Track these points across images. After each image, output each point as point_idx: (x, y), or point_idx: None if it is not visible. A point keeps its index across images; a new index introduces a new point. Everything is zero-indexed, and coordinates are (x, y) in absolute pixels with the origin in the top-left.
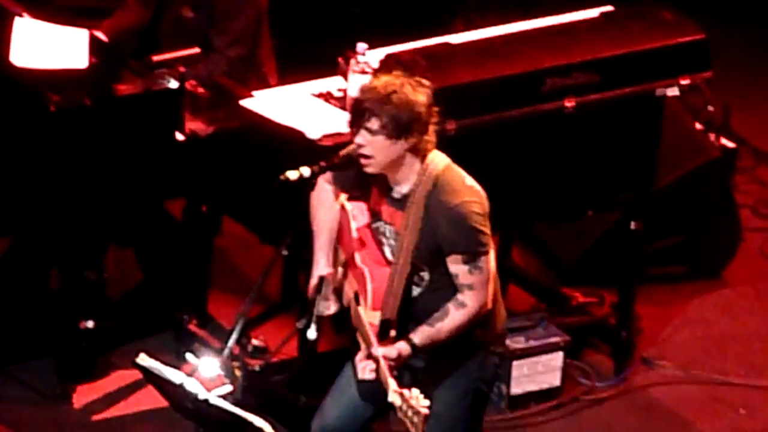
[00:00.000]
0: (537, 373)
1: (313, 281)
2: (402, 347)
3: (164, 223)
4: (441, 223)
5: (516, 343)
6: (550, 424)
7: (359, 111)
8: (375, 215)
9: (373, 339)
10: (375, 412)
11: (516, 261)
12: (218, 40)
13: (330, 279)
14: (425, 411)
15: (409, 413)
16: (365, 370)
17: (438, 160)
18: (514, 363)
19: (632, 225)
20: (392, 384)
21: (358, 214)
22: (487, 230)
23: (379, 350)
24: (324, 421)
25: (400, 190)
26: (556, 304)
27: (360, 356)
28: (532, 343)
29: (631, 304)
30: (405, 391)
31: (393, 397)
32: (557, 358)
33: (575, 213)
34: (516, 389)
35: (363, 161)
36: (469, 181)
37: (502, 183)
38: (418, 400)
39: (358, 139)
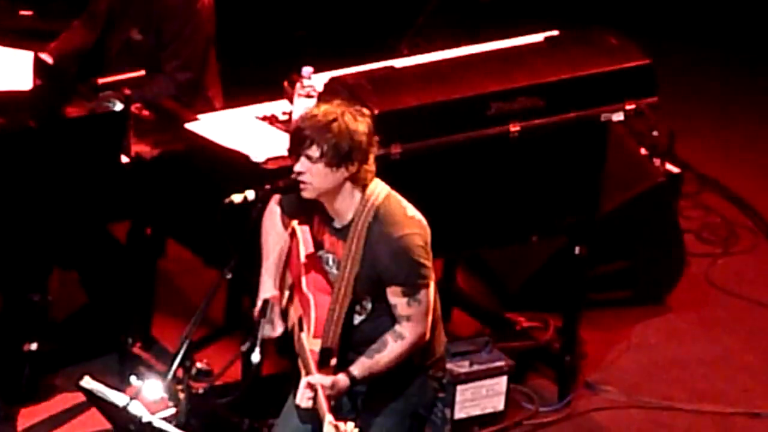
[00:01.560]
0: (481, 397)
1: (259, 303)
2: (340, 379)
3: (108, 246)
4: (382, 255)
5: (460, 367)
6: None
7: (299, 138)
8: (317, 244)
9: (313, 367)
10: None
11: (460, 285)
12: (168, 63)
13: (275, 302)
14: None
15: None
16: (303, 398)
17: (379, 189)
18: (458, 387)
19: (577, 250)
20: (327, 415)
21: (308, 239)
22: (428, 263)
23: (315, 378)
24: None
25: (341, 220)
26: (500, 329)
27: (300, 383)
28: (476, 367)
29: (575, 329)
30: (340, 424)
31: (327, 429)
32: (501, 382)
33: (520, 238)
34: (460, 413)
35: (301, 186)
36: (411, 211)
37: (446, 207)
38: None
39: (297, 167)
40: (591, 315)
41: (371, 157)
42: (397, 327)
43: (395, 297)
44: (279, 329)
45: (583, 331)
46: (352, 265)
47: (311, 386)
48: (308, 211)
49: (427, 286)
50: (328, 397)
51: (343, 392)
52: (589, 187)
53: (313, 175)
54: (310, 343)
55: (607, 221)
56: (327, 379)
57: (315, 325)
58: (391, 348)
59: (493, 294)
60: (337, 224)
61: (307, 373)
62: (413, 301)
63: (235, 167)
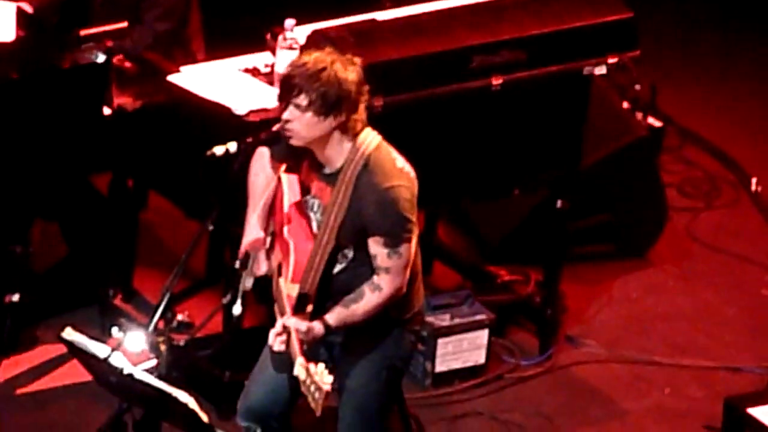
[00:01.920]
0: (462, 350)
1: (245, 243)
2: (315, 325)
3: (89, 198)
4: (368, 204)
5: (441, 320)
6: (475, 402)
7: (288, 86)
8: (305, 189)
9: (288, 311)
10: (293, 388)
11: (442, 238)
12: (147, 13)
13: (260, 244)
14: (327, 388)
15: (312, 388)
16: (276, 341)
17: (370, 138)
18: (439, 341)
19: (558, 203)
20: (299, 358)
21: (293, 186)
22: (413, 217)
23: (291, 321)
24: (248, 401)
25: (331, 166)
26: (481, 282)
27: (273, 328)
28: (457, 320)
29: (556, 283)
30: (311, 366)
31: (298, 371)
32: (482, 336)
33: (501, 191)
34: (440, 367)
35: (288, 134)
36: (400, 162)
37: (428, 160)
38: (322, 375)
39: (286, 115)
40: (572, 269)
41: (361, 107)
42: (375, 278)
43: (376, 247)
44: (263, 269)
45: (564, 284)
46: (338, 212)
47: (285, 329)
48: (298, 156)
49: (409, 240)
50: (302, 342)
51: (317, 339)
52: (571, 141)
53: (301, 124)
54: (288, 288)
55: (588, 175)
56: (302, 324)
57: (294, 270)
58: (367, 299)
59: (475, 247)
60: (327, 170)
61: (282, 316)
62: (394, 254)
63: (217, 120)
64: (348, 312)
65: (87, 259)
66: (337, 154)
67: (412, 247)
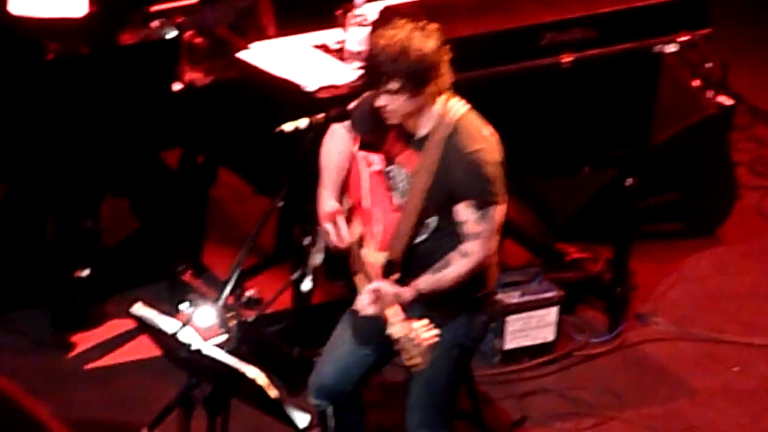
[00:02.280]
0: (531, 328)
1: (322, 215)
2: (405, 290)
3: (160, 173)
4: (457, 168)
5: (510, 298)
6: (543, 379)
7: (376, 76)
8: (389, 160)
9: (375, 278)
10: (372, 365)
11: (512, 216)
12: None
13: (338, 215)
14: (431, 341)
15: (413, 344)
16: (367, 304)
17: (459, 105)
18: (508, 318)
19: (628, 181)
20: (394, 314)
21: (372, 160)
22: (501, 182)
23: (381, 284)
24: (320, 379)
25: (419, 132)
26: (551, 260)
27: (363, 291)
28: (527, 298)
29: (626, 261)
30: (413, 323)
31: (395, 329)
32: (551, 313)
33: (571, 168)
34: (509, 344)
35: (384, 114)
36: (488, 130)
37: (499, 137)
38: (423, 330)
39: (379, 102)
40: (642, 246)
41: (445, 66)
42: (463, 246)
43: (466, 213)
44: (346, 240)
45: (633, 262)
46: (426, 178)
47: (376, 291)
48: (381, 128)
49: (497, 203)
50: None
51: (406, 304)
52: (641, 119)
53: (396, 105)
54: (374, 257)
55: (658, 153)
56: (392, 287)
57: (381, 238)
58: (457, 264)
59: (544, 225)
60: (415, 136)
61: (369, 281)
62: (483, 219)
63: (286, 96)
64: (437, 277)
65: (157, 234)
66: (426, 120)
67: (501, 212)
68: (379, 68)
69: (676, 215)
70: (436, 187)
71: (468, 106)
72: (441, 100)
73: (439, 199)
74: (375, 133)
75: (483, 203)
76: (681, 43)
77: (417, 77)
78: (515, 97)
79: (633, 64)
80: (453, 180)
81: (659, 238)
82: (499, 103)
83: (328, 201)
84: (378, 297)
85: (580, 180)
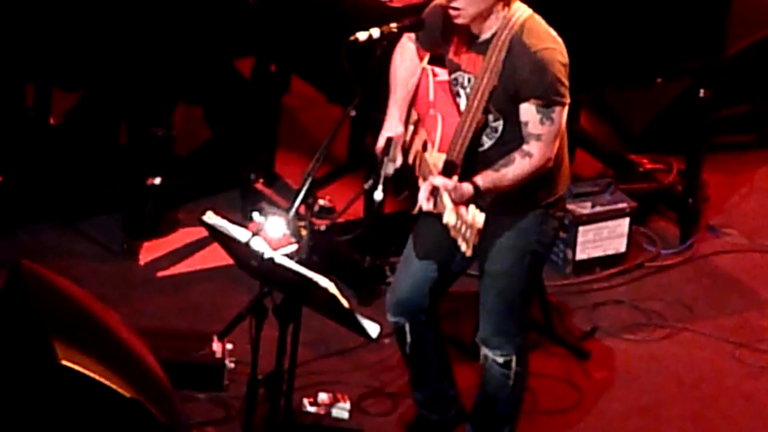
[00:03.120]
0: (603, 238)
1: (383, 138)
2: (464, 186)
3: (233, 81)
4: (522, 66)
5: (582, 208)
6: (615, 290)
7: None
8: (454, 66)
9: (435, 172)
10: (444, 277)
11: (584, 126)
12: None
13: (398, 140)
14: (480, 225)
15: (463, 228)
16: (425, 198)
17: (524, 8)
18: (580, 228)
19: (701, 93)
20: (448, 204)
21: (438, 72)
22: (566, 82)
23: (438, 179)
24: (395, 296)
25: (484, 35)
26: (623, 171)
27: (422, 186)
28: (599, 208)
29: (698, 172)
30: (461, 208)
31: (448, 217)
32: (623, 224)
33: (644, 79)
34: (581, 254)
35: (453, 13)
36: (553, 32)
37: (571, 47)
38: (475, 215)
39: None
40: (714, 158)
41: None
42: (525, 146)
43: (529, 112)
44: (398, 162)
45: (706, 174)
46: (491, 77)
47: (433, 186)
48: (447, 35)
49: (562, 104)
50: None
51: (464, 198)
52: (714, 31)
53: (467, 2)
54: (434, 158)
55: (731, 64)
56: (450, 182)
57: (441, 139)
58: (518, 164)
59: (617, 136)
60: (480, 39)
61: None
62: (546, 119)
63: (360, 5)
64: (497, 175)
65: (229, 143)
66: (492, 22)
67: (563, 114)
68: None
69: (749, 127)
70: (500, 86)
71: (531, 10)
72: (508, 3)
73: (504, 98)
74: (437, 45)
75: (548, 102)
76: None
77: None
78: (587, 8)
79: None
80: (519, 78)
81: (731, 149)
82: (571, 14)
83: (390, 120)
84: (435, 190)
85: (652, 91)
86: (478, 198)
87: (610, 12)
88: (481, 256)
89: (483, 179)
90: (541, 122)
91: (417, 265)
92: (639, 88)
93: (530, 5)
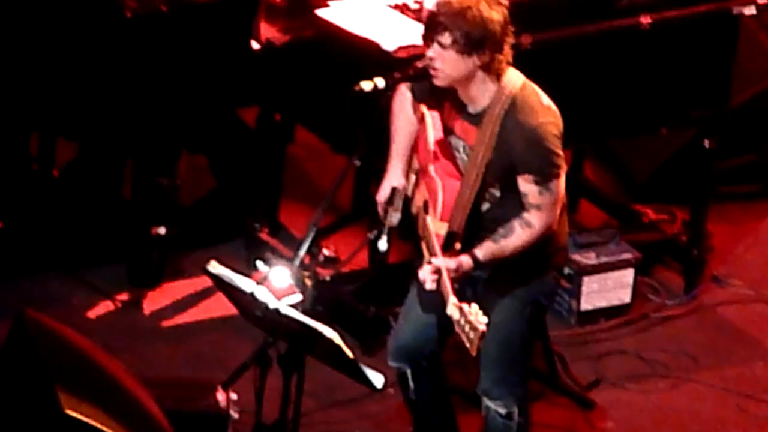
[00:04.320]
0: (607, 289)
1: (386, 189)
2: (464, 260)
3: (237, 131)
4: (517, 143)
5: (587, 258)
6: (619, 341)
7: (433, 24)
8: (447, 129)
9: (438, 250)
10: (442, 327)
11: (588, 176)
12: None
13: (402, 190)
14: (482, 328)
15: (467, 328)
16: (427, 280)
17: (515, 78)
18: (585, 279)
19: (705, 142)
20: (451, 297)
21: (437, 124)
22: (561, 152)
23: (440, 260)
24: (398, 341)
25: (475, 106)
26: (627, 221)
27: (424, 266)
28: (603, 259)
29: (702, 222)
30: (464, 306)
31: (451, 311)
32: (628, 274)
33: (649, 129)
34: (586, 305)
35: (432, 72)
36: (546, 100)
37: (576, 97)
38: (477, 316)
39: (429, 52)
40: (719, 208)
41: (506, 47)
42: (525, 215)
43: (527, 185)
44: (396, 219)
45: (710, 224)
46: (485, 152)
47: (436, 269)
48: (440, 96)
49: (558, 176)
50: (452, 280)
51: (466, 274)
52: (720, 80)
53: (445, 61)
54: (436, 227)
55: (736, 114)
56: (451, 262)
57: (442, 208)
58: (518, 234)
59: (621, 185)
60: (471, 110)
61: (432, 255)
62: (544, 191)
63: (365, 55)
64: (497, 247)
65: (233, 192)
66: (482, 93)
67: (561, 183)
68: (437, 18)
69: (754, 177)
70: (496, 160)
71: (524, 78)
72: (497, 75)
73: (501, 171)
74: (431, 100)
75: (544, 176)
76: (760, 5)
77: (472, 39)
78: (593, 58)
79: (712, 25)
80: (514, 154)
81: (736, 199)
82: (576, 64)
83: (391, 171)
84: (438, 274)
85: (657, 141)
86: (477, 269)
87: (614, 62)
88: (482, 307)
89: (483, 252)
90: (540, 193)
91: (419, 311)
92: (644, 137)
93: (535, 60)
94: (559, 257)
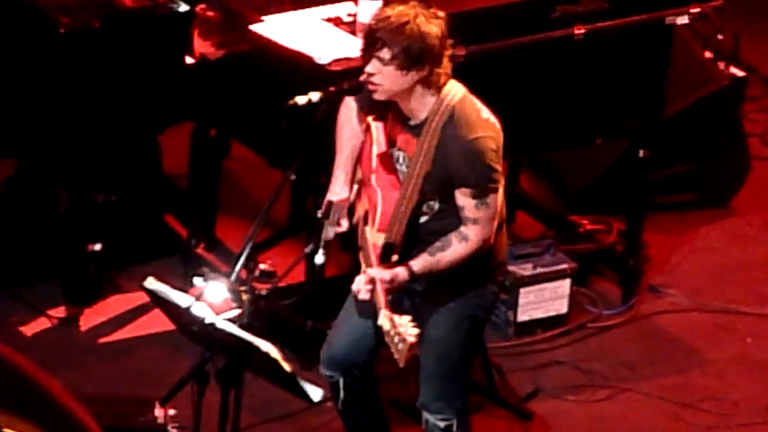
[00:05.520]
0: (544, 300)
1: (328, 198)
2: (399, 272)
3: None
4: (454, 156)
5: (523, 269)
6: (557, 351)
7: (371, 39)
8: (390, 141)
9: (374, 260)
10: (376, 338)
11: (525, 188)
12: None
13: (343, 204)
14: (412, 339)
15: (396, 339)
16: (360, 291)
17: (455, 91)
18: (522, 290)
19: (641, 153)
20: (383, 309)
21: (381, 136)
22: (499, 167)
23: (375, 271)
24: (331, 350)
25: (416, 118)
26: (564, 231)
27: (358, 277)
28: (540, 270)
29: (639, 232)
30: (395, 317)
31: (382, 321)
32: (564, 285)
33: (584, 140)
34: (523, 316)
35: (371, 87)
36: (485, 113)
37: (511, 109)
38: (407, 327)
39: (368, 68)
40: (655, 218)
41: (444, 60)
42: (462, 228)
43: (464, 199)
44: (344, 226)
45: (646, 234)
46: (423, 164)
47: (370, 279)
48: (384, 108)
49: (496, 190)
50: (386, 291)
51: (401, 286)
52: (654, 91)
53: (384, 76)
54: (374, 237)
55: (671, 124)
56: (386, 273)
57: (380, 219)
58: (454, 248)
59: (557, 196)
60: (412, 122)
61: (368, 266)
62: (481, 204)
63: (299, 69)
64: (433, 259)
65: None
66: (421, 106)
67: (499, 197)
68: (375, 33)
69: (689, 186)
70: (434, 172)
71: (464, 90)
72: (436, 88)
73: (438, 183)
74: (376, 111)
75: (481, 190)
76: (692, 14)
77: (411, 53)
78: (527, 70)
79: (645, 35)
80: (451, 167)
81: (672, 209)
82: (511, 76)
83: (335, 182)
84: (372, 284)
85: (592, 152)
86: (414, 282)
87: (549, 73)
88: (420, 321)
89: (419, 264)
90: (477, 207)
91: (355, 321)
92: (579, 148)
93: (469, 73)
94: (498, 271)
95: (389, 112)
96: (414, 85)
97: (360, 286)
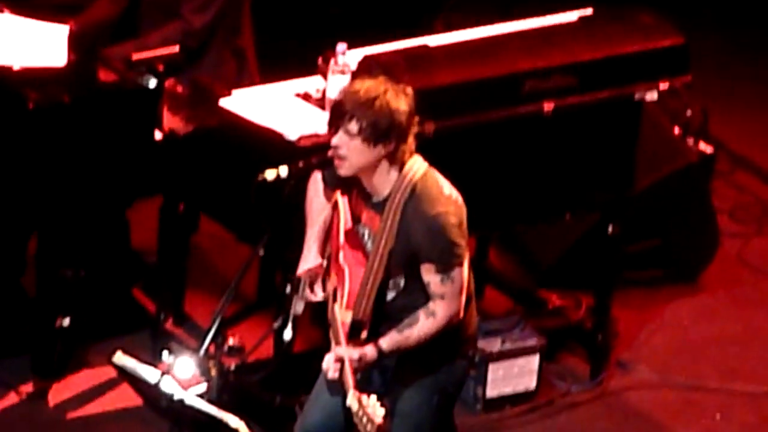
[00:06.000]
0: (513, 375)
1: (302, 268)
2: (368, 350)
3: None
4: (417, 232)
5: (492, 345)
6: (526, 427)
7: (339, 112)
8: (355, 217)
9: (342, 338)
10: (347, 416)
11: (493, 263)
12: (184, 6)
13: (318, 271)
14: (379, 420)
15: (364, 420)
16: (329, 369)
17: (417, 166)
18: (490, 365)
19: (610, 228)
20: (351, 387)
21: (347, 212)
22: (463, 242)
23: (343, 350)
24: (304, 426)
25: (378, 195)
26: (532, 307)
27: (328, 355)
28: (508, 345)
29: (607, 308)
30: (363, 397)
31: (351, 401)
32: (533, 361)
33: (553, 215)
34: (491, 392)
35: (337, 162)
36: (448, 189)
37: (480, 185)
38: (375, 408)
39: (335, 140)
40: (623, 293)
41: (410, 137)
42: (430, 304)
43: (429, 274)
44: (319, 295)
45: (615, 309)
46: (387, 240)
47: (339, 358)
48: (348, 184)
49: (461, 264)
50: (355, 370)
51: (370, 364)
52: (623, 166)
53: (350, 150)
54: (342, 315)
55: (640, 200)
56: (354, 352)
57: (348, 296)
58: (422, 324)
59: (526, 271)
60: (375, 199)
61: (337, 343)
62: (447, 280)
63: (268, 144)
64: (402, 337)
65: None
66: (384, 182)
67: (464, 272)
68: (343, 106)
69: (658, 262)
70: (398, 248)
71: (426, 165)
72: (400, 164)
73: (403, 259)
74: (341, 187)
75: (445, 265)
76: (661, 90)
77: (378, 128)
78: (496, 145)
79: (614, 111)
80: (415, 243)
81: (641, 285)
82: (479, 151)
83: (307, 254)
84: (340, 363)
85: (561, 226)
86: (384, 358)
87: (518, 149)
88: (391, 396)
89: (387, 342)
90: (442, 282)
91: (327, 397)
92: (548, 223)
93: (438, 147)
94: (468, 346)
95: (353, 188)
96: (379, 160)
97: (329, 364)
